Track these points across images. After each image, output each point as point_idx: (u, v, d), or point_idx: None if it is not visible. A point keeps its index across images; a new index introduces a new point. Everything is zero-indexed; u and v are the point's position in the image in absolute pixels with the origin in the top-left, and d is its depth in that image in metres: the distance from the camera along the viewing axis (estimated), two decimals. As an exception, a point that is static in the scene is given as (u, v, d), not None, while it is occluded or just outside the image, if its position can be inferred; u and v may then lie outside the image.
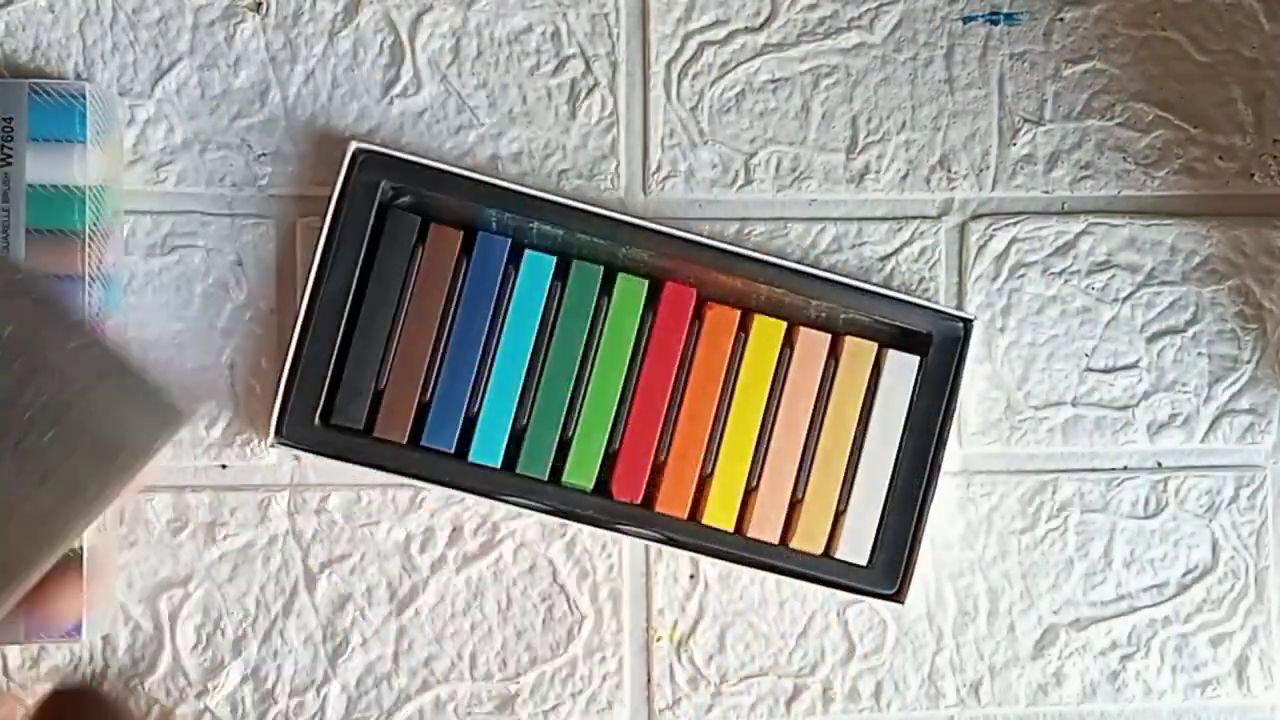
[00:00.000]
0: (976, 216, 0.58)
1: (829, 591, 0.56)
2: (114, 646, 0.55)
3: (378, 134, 0.56)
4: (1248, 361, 0.58)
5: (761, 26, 0.57)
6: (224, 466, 0.56)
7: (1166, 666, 0.58)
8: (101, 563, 0.53)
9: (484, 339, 0.54)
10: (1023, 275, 0.58)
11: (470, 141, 0.57)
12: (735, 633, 0.57)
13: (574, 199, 0.55)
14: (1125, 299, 0.58)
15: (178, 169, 0.56)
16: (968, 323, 0.55)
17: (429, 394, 0.54)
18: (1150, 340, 0.58)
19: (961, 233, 0.58)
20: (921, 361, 0.55)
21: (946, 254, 0.58)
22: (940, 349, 0.55)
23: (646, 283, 0.55)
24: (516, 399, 0.54)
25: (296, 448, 0.54)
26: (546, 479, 0.54)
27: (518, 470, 0.54)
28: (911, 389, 0.55)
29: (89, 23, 0.55)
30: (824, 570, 0.55)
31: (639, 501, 0.55)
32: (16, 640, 0.51)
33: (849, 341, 0.55)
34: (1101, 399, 0.58)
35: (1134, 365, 0.58)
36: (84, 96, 0.52)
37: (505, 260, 0.54)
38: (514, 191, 0.54)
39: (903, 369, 0.55)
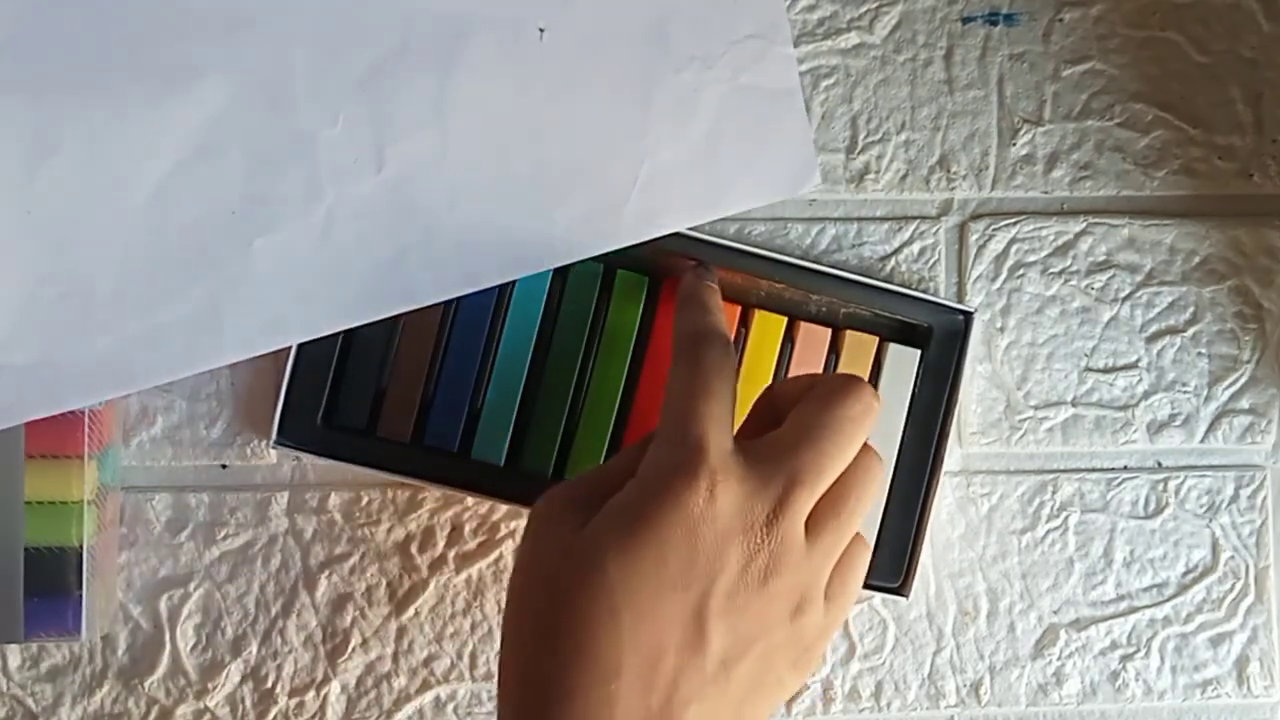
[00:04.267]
0: (976, 216, 0.58)
1: (829, 591, 0.56)
2: (114, 646, 0.55)
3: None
4: (1248, 361, 0.59)
5: (761, 27, 0.57)
6: (224, 466, 0.56)
7: (1166, 666, 0.58)
8: (101, 563, 0.53)
9: (485, 337, 0.54)
10: (1022, 275, 0.58)
11: (471, 141, 0.57)
12: (735, 633, 0.57)
13: (575, 198, 0.55)
14: (1125, 299, 0.58)
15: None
16: (968, 315, 0.55)
17: (431, 393, 0.54)
18: (1150, 340, 0.58)
19: (961, 233, 0.58)
20: (922, 355, 0.55)
21: (946, 254, 0.58)
22: (941, 342, 0.56)
23: (646, 279, 0.55)
24: (519, 397, 0.54)
25: (297, 449, 0.54)
26: (550, 477, 0.54)
27: (520, 468, 0.54)
28: (913, 382, 0.55)
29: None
30: (825, 567, 0.55)
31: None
32: (16, 640, 0.51)
33: (849, 336, 0.55)
34: (1101, 399, 0.58)
35: (1134, 365, 0.58)
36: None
37: (506, 259, 0.55)
38: (515, 190, 0.55)
39: (904, 362, 0.55)
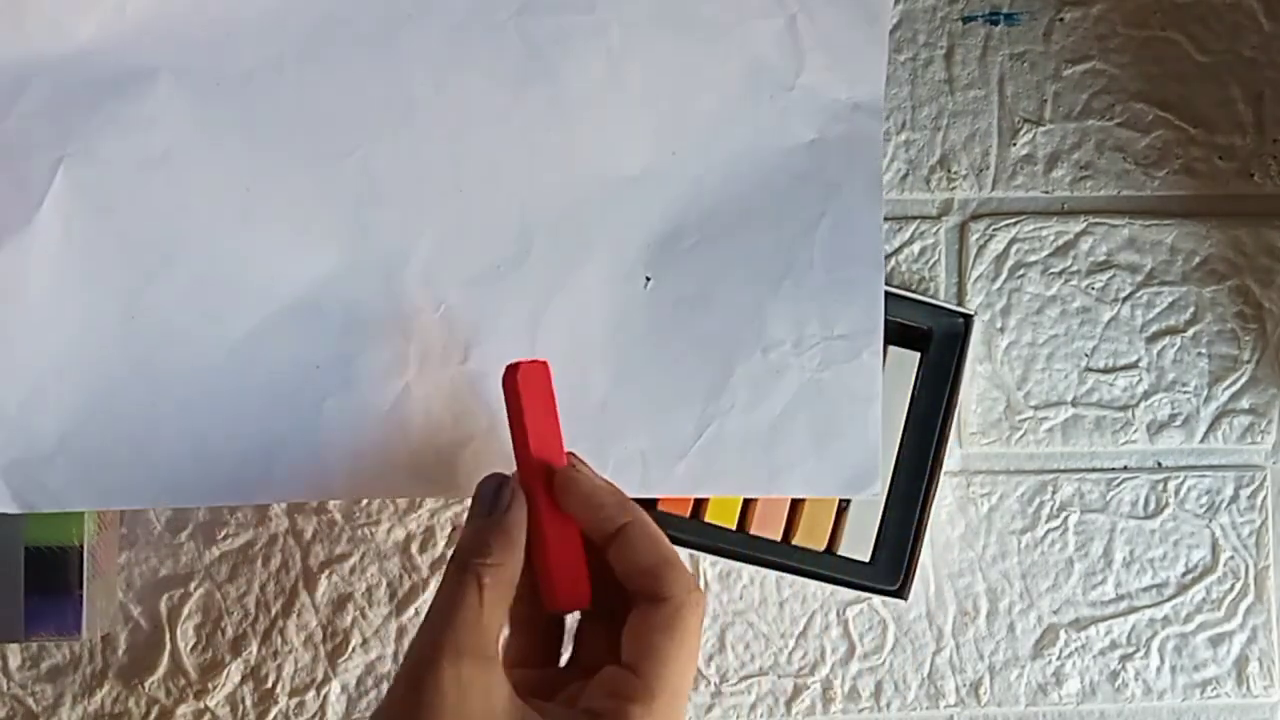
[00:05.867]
0: (976, 216, 0.58)
1: (829, 591, 0.56)
2: (114, 646, 0.55)
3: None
4: (1248, 361, 0.59)
5: (762, 26, 0.57)
6: (224, 466, 0.56)
7: (1166, 666, 0.58)
8: (102, 563, 0.53)
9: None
10: (1022, 275, 0.58)
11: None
12: (735, 633, 0.57)
13: (575, 198, 0.55)
14: (1125, 299, 0.58)
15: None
16: (968, 318, 0.55)
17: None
18: (1150, 340, 0.58)
19: (961, 233, 0.58)
20: (922, 357, 0.55)
21: (946, 254, 0.58)
22: (940, 345, 0.55)
23: (648, 283, 0.55)
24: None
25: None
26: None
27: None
28: (912, 385, 0.55)
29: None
30: (826, 567, 0.55)
31: (641, 500, 0.55)
32: (16, 639, 0.51)
33: (850, 339, 0.55)
34: (1101, 399, 0.58)
35: (1134, 365, 0.58)
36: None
37: (506, 260, 0.55)
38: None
39: (903, 365, 0.55)
